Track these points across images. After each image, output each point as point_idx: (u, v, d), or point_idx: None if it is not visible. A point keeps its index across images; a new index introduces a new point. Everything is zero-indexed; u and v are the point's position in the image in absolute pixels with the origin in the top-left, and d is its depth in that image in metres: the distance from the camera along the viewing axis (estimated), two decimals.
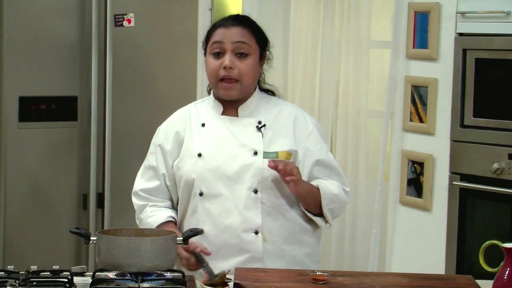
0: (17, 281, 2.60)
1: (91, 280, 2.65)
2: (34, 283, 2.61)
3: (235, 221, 2.96)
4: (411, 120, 4.34)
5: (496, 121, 3.97)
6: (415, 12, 4.30)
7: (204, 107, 3.13)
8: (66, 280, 2.64)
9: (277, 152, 3.00)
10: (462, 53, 4.08)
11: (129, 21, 4.51)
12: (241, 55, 3.01)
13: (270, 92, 3.19)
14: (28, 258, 4.13)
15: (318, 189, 3.02)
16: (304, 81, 5.03)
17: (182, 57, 4.73)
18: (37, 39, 4.30)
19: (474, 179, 4.04)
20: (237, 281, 2.67)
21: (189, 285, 2.65)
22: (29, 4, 4.28)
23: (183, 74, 4.75)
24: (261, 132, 3.03)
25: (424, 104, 4.27)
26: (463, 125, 4.09)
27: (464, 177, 4.09)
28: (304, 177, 3.03)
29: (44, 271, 2.72)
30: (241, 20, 3.08)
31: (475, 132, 4.05)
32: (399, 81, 4.38)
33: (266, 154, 2.99)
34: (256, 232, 2.97)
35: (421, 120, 4.29)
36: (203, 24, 4.96)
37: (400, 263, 4.41)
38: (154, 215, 3.07)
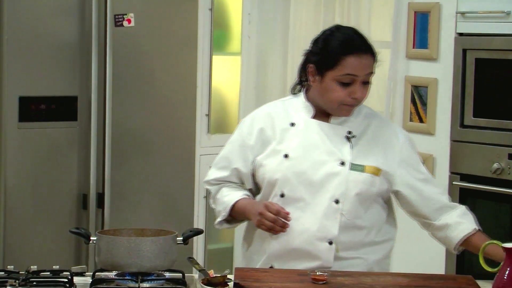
0: (17, 281, 2.60)
1: (91, 280, 2.65)
2: (34, 283, 2.61)
3: (312, 228, 2.92)
4: (411, 120, 4.34)
5: (496, 121, 3.98)
6: (415, 12, 4.30)
7: (293, 106, 3.06)
8: (66, 280, 2.64)
9: (364, 166, 2.95)
10: (462, 53, 4.08)
11: (129, 21, 4.51)
12: (366, 83, 2.97)
13: None
14: (28, 258, 4.12)
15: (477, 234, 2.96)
16: None
17: (182, 57, 4.73)
18: (37, 39, 4.30)
19: (474, 179, 4.04)
20: (237, 281, 2.67)
21: (189, 285, 2.66)
22: (29, 4, 4.27)
23: (183, 74, 4.74)
24: (350, 142, 2.98)
25: (424, 104, 4.27)
26: (463, 125, 4.10)
27: (464, 177, 4.09)
28: (400, 201, 3.04)
29: (44, 271, 2.72)
30: (369, 46, 3.00)
31: (475, 132, 4.05)
32: (399, 81, 4.38)
33: (353, 166, 2.95)
34: (331, 243, 2.93)
35: (421, 120, 4.30)
36: (203, 24, 4.96)
37: (400, 263, 4.40)
38: (229, 194, 3.05)
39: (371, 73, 2.97)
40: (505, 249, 2.57)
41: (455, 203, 3.10)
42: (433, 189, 3.05)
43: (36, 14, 4.28)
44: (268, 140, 3.03)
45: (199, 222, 5.00)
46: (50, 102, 4.36)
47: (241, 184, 3.12)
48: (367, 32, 4.74)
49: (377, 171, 2.96)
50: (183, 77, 4.74)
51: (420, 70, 4.30)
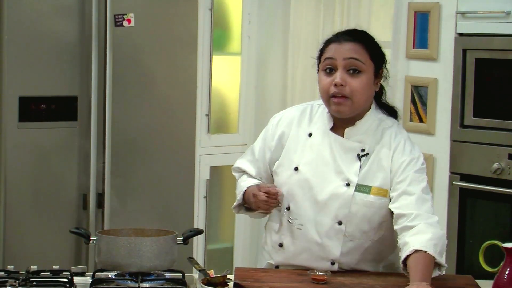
0: (17, 281, 2.60)
1: (91, 280, 2.65)
2: (34, 283, 2.62)
3: (314, 247, 2.91)
4: (411, 120, 4.34)
5: (496, 121, 3.98)
6: (415, 12, 4.30)
7: (319, 114, 3.01)
8: (66, 280, 2.64)
9: (370, 187, 2.88)
10: (462, 53, 4.08)
11: (129, 21, 4.51)
12: (354, 72, 2.86)
13: (388, 112, 3.02)
14: (28, 258, 4.12)
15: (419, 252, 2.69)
16: (304, 81, 5.03)
17: (182, 57, 4.73)
18: (37, 39, 4.30)
19: (474, 179, 4.04)
20: (237, 281, 2.67)
21: (189, 285, 2.66)
22: (29, 4, 4.27)
23: (183, 74, 4.74)
24: (360, 161, 2.91)
25: (424, 104, 4.27)
26: (463, 125, 4.10)
27: (464, 177, 4.09)
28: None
29: (44, 271, 2.72)
30: (355, 35, 2.92)
31: (475, 132, 4.05)
32: (399, 81, 4.38)
33: (358, 187, 2.89)
34: (333, 263, 2.91)
35: (421, 120, 4.30)
36: (203, 24, 4.96)
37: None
38: (247, 180, 3.07)
39: (356, 59, 2.86)
40: (505, 249, 2.57)
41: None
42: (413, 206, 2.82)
43: (36, 14, 4.28)
44: (285, 145, 3.02)
45: (199, 222, 5.00)
46: (50, 102, 4.36)
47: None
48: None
49: (383, 192, 2.89)
50: (183, 77, 4.74)
51: (420, 70, 4.30)
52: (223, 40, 5.31)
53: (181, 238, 2.79)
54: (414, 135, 4.32)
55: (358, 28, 3.03)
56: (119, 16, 4.48)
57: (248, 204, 3.05)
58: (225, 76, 5.31)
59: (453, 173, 4.14)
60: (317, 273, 2.74)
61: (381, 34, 4.77)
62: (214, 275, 2.66)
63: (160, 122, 4.64)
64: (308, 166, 2.94)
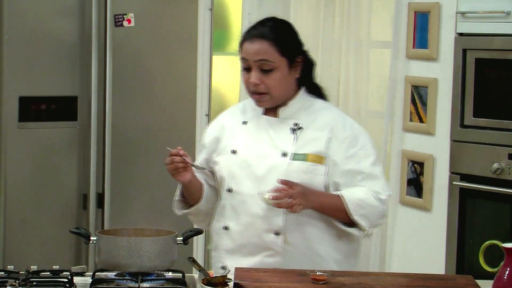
0: (17, 281, 2.60)
1: (91, 280, 2.65)
2: (34, 283, 2.61)
3: (257, 220, 2.96)
4: (411, 120, 4.34)
5: (496, 121, 3.97)
6: (415, 12, 4.30)
7: (252, 105, 3.10)
8: (66, 280, 2.64)
9: (306, 155, 2.96)
10: (462, 53, 4.08)
11: (129, 21, 4.51)
12: (266, 71, 2.98)
13: (319, 93, 3.12)
14: (28, 258, 4.12)
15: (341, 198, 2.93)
16: None
17: (182, 57, 4.73)
18: (37, 39, 4.30)
19: (474, 179, 4.04)
20: (237, 281, 2.67)
21: (189, 285, 2.66)
22: (29, 4, 4.27)
23: (183, 74, 4.74)
24: (295, 134, 3.00)
25: (424, 104, 4.27)
26: (463, 125, 4.09)
27: (464, 177, 4.09)
28: (331, 190, 2.97)
29: (44, 271, 2.72)
30: (264, 31, 2.99)
31: (475, 132, 4.05)
32: (399, 81, 4.38)
33: (295, 156, 2.96)
34: (277, 233, 2.95)
35: (421, 120, 4.30)
36: (203, 24, 4.96)
37: (400, 263, 4.41)
38: None
39: (265, 60, 2.96)
40: (505, 249, 2.57)
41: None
42: (354, 181, 2.97)
43: (36, 14, 4.28)
44: (221, 138, 3.10)
45: None
46: (50, 102, 4.36)
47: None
48: (367, 32, 4.76)
49: (320, 159, 2.96)
50: (183, 77, 4.75)
51: (420, 70, 4.30)
52: (223, 40, 5.31)
53: (181, 238, 2.79)
54: (414, 135, 4.33)
55: (276, 18, 3.07)
56: (119, 16, 4.48)
57: (185, 193, 3.13)
58: (225, 76, 5.31)
59: (453, 173, 4.14)
60: (317, 273, 2.74)
61: (381, 34, 4.78)
62: (214, 275, 2.66)
63: (160, 122, 4.64)
64: (245, 148, 3.02)
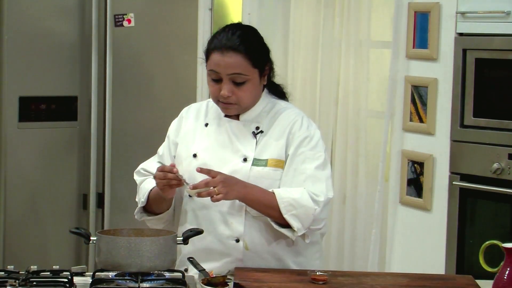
0: (17, 281, 2.60)
1: (91, 280, 2.65)
2: (34, 283, 2.61)
3: (218, 227, 2.94)
4: (411, 120, 4.34)
5: (496, 121, 3.97)
6: (415, 12, 4.30)
7: (215, 106, 3.05)
8: (66, 280, 2.64)
9: (266, 160, 2.95)
10: (462, 53, 4.08)
11: (129, 21, 4.51)
12: (239, 84, 2.92)
13: (280, 92, 3.11)
14: (28, 258, 4.13)
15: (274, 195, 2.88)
16: (304, 81, 5.03)
17: (182, 57, 4.73)
18: (37, 39, 4.30)
19: (474, 179, 4.04)
20: (237, 281, 2.67)
21: (189, 285, 2.66)
22: (29, 4, 4.27)
23: (183, 74, 4.75)
24: (256, 138, 2.98)
25: (424, 104, 4.27)
26: (463, 125, 4.09)
27: (464, 177, 4.09)
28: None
29: (44, 271, 2.72)
30: (235, 43, 2.91)
31: (475, 132, 4.05)
32: (399, 81, 4.38)
33: (255, 161, 2.95)
34: (237, 240, 2.93)
35: (421, 120, 4.29)
36: (203, 24, 4.96)
37: (400, 263, 4.41)
38: (152, 181, 3.03)
39: (239, 74, 2.90)
40: (505, 249, 2.57)
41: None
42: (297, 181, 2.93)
43: (36, 14, 4.29)
44: (183, 137, 3.07)
45: None
46: (50, 102, 4.37)
47: None
48: (367, 32, 4.76)
49: (280, 163, 2.94)
50: (183, 77, 4.75)
51: (420, 70, 4.30)
52: None
53: (181, 238, 2.79)
54: (414, 135, 4.33)
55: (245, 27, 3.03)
56: (119, 16, 4.48)
57: (153, 203, 3.03)
58: None
59: (453, 173, 4.13)
60: (317, 273, 2.74)
61: (381, 34, 4.78)
62: (214, 275, 2.66)
63: (160, 122, 4.64)
64: (206, 152, 2.99)
